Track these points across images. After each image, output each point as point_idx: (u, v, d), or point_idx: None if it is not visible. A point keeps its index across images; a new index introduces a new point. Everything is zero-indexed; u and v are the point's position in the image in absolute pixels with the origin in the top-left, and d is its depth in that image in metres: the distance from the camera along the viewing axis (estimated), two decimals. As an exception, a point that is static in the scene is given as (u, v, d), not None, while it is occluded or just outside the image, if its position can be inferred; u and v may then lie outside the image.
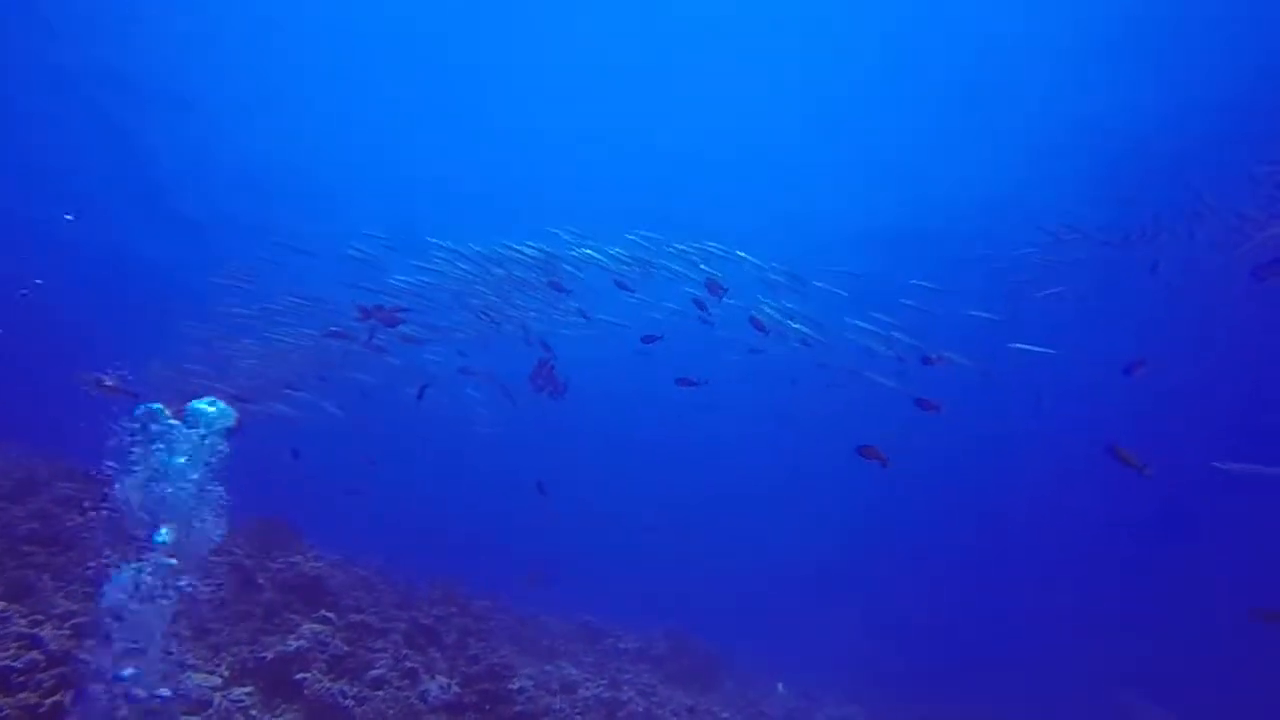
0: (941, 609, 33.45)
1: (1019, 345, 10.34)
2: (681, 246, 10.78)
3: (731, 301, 10.28)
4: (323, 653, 7.78)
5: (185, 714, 5.94)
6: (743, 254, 11.22)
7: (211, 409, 5.29)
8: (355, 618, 9.31)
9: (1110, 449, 5.47)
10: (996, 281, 17.95)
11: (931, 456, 30.99)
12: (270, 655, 7.07)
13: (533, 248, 11.09)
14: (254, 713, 6.25)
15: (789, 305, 10.77)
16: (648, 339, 10.51)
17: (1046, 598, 33.66)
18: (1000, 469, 32.56)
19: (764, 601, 30.83)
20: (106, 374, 7.18)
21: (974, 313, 12.61)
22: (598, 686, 11.63)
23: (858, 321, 11.18)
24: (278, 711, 6.48)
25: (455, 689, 8.14)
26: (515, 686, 8.88)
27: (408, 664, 8.17)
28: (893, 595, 34.39)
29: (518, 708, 8.39)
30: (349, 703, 7.04)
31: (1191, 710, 16.18)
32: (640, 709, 11.12)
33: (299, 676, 6.96)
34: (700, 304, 10.68)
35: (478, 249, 11.42)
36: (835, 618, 28.47)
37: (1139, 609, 30.68)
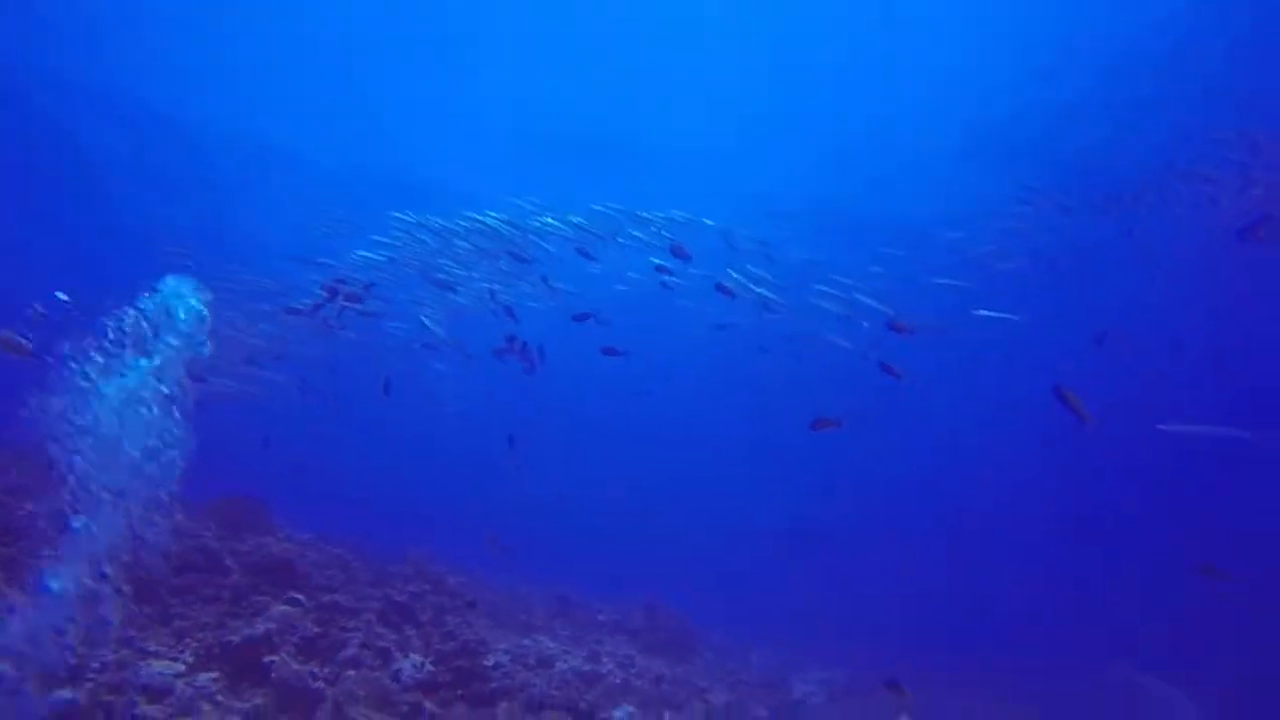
0: (922, 577, 33.89)
1: (983, 311, 10.31)
2: (646, 214, 10.57)
3: (696, 270, 10.12)
4: (292, 635, 7.58)
5: (146, 703, 5.72)
6: (708, 221, 11.05)
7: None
8: (327, 598, 9.10)
9: (1056, 391, 5.41)
10: (963, 252, 18.04)
11: (905, 422, 31.44)
12: (237, 639, 6.85)
13: (494, 218, 10.78)
14: (220, 698, 6.04)
15: (755, 270, 10.61)
16: (579, 317, 10.36)
17: (1027, 567, 34.19)
18: (975, 436, 33.07)
19: (740, 571, 31.12)
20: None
21: (940, 280, 12.61)
22: (576, 659, 11.59)
23: (822, 287, 11.06)
24: (245, 696, 6.27)
25: (429, 667, 7.99)
26: (490, 663, 8.77)
27: (380, 643, 8.00)
28: (872, 562, 34.94)
29: (494, 684, 8.28)
30: (319, 684, 6.85)
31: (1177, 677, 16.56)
32: (618, 680, 11.10)
33: (268, 660, 6.76)
34: (664, 269, 10.50)
35: (440, 222, 11.09)
36: (813, 585, 28.83)
37: (1119, 577, 31.23)
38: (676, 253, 9.46)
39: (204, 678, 6.32)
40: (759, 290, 10.03)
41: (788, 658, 16.44)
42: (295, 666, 6.90)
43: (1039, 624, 25.90)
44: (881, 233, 20.29)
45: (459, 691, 7.86)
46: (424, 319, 11.04)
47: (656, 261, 10.58)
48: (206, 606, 7.82)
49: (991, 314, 10.26)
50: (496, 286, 11.96)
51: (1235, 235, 9.16)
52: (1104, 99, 16.14)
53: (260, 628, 7.13)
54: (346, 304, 11.14)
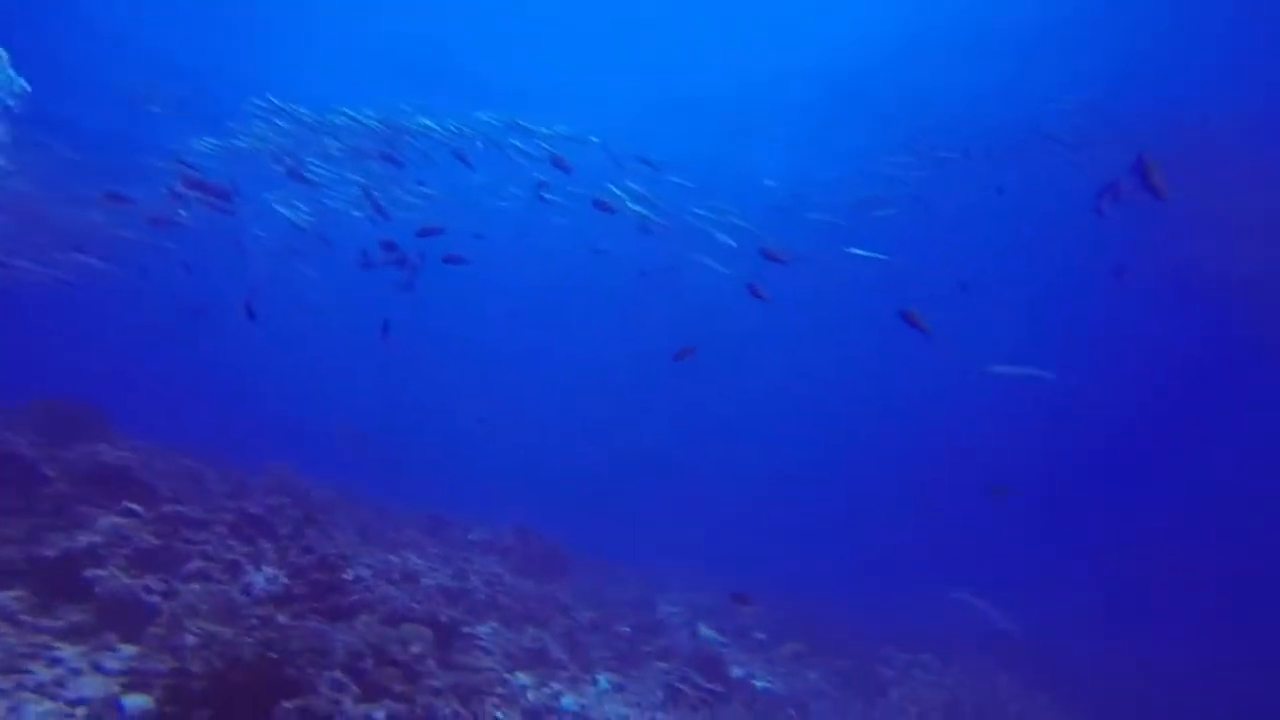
0: (786, 505, 35.58)
1: (855, 250, 10.61)
2: (528, 125, 10.01)
3: (576, 189, 9.75)
4: (124, 547, 6.94)
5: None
6: (594, 139, 10.63)
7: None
8: (171, 509, 8.40)
9: (902, 314, 5.79)
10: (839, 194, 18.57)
11: (774, 350, 32.66)
12: (52, 553, 6.17)
13: (371, 117, 9.88)
14: (24, 618, 5.44)
15: (634, 187, 10.35)
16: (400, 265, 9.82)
17: (890, 501, 36.45)
18: (841, 370, 34.79)
19: (615, 498, 31.80)
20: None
21: (817, 216, 12.86)
22: (443, 576, 11.46)
23: (698, 210, 11.01)
24: (58, 615, 5.69)
25: (284, 580, 7.61)
26: (350, 576, 8.46)
27: (230, 556, 7.51)
28: (738, 490, 36.50)
29: (354, 597, 8.00)
30: (154, 599, 6.35)
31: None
32: (484, 597, 11.11)
33: (89, 574, 6.15)
34: (542, 185, 10.07)
35: (312, 114, 10.03)
36: (685, 512, 29.83)
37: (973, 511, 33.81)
38: (557, 164, 9.02)
39: (2, 596, 5.66)
40: (637, 208, 9.81)
41: (656, 581, 17.04)
42: (126, 580, 6.34)
43: (901, 556, 27.45)
44: (762, 171, 20.54)
45: (315, 605, 7.55)
46: (284, 212, 10.08)
47: (539, 177, 10.09)
48: (13, 520, 6.98)
49: (862, 253, 10.58)
50: (373, 190, 11.06)
51: (1093, 200, 9.82)
52: (978, 62, 16.81)
53: (82, 540, 6.47)
54: (210, 198, 9.99)
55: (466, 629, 9.31)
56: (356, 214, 10.91)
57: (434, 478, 24.74)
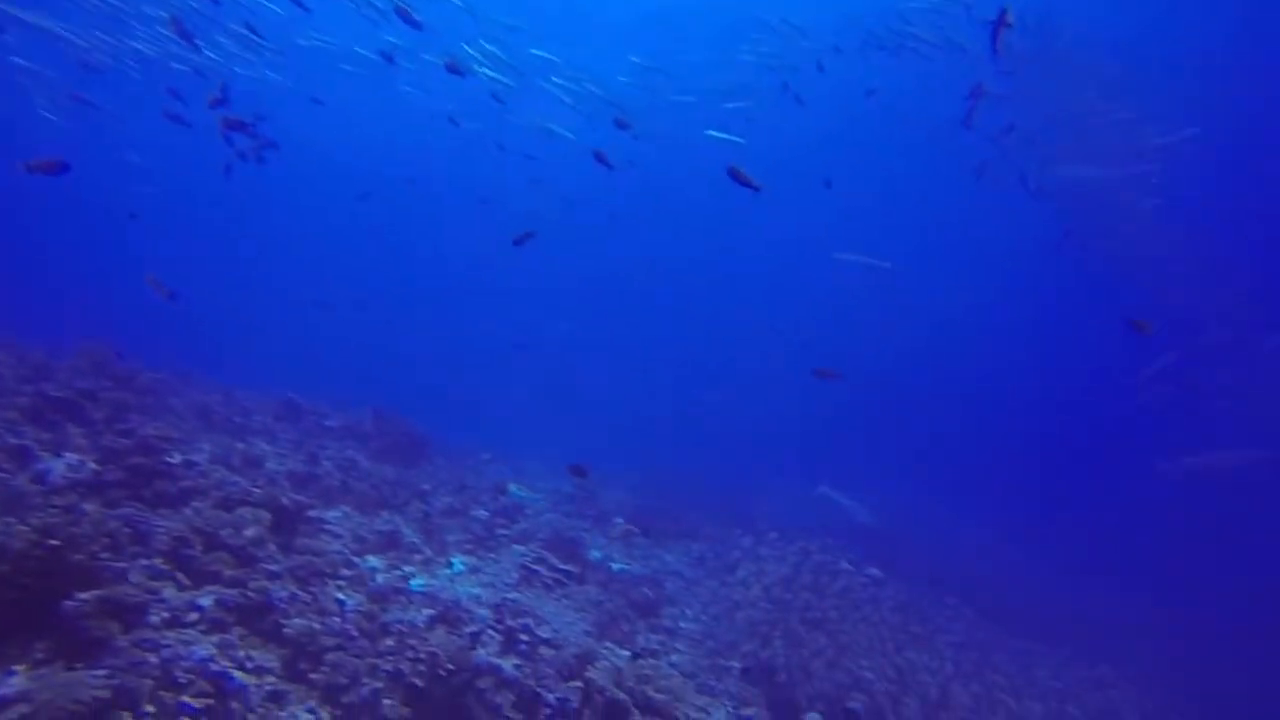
0: (653, 400, 36.06)
1: (713, 132, 10.41)
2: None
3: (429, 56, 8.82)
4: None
5: None
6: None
7: None
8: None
9: (730, 171, 5.86)
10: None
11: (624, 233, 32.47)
12: None
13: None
14: None
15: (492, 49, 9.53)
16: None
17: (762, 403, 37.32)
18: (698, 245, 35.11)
19: (476, 384, 31.26)
20: None
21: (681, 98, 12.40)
22: (293, 462, 10.86)
23: (557, 79, 10.39)
24: None
25: (93, 466, 6.84)
26: (177, 460, 7.78)
27: (16, 441, 6.61)
28: (607, 376, 36.73)
29: (184, 483, 7.37)
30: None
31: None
32: (337, 482, 10.68)
33: None
34: (387, 56, 9.04)
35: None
36: (547, 399, 29.70)
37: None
38: (404, 18, 8.03)
39: None
40: (491, 74, 9.06)
41: (515, 466, 17.09)
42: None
43: (768, 450, 27.92)
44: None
45: (134, 491, 6.89)
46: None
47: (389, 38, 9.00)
48: None
49: (720, 135, 10.43)
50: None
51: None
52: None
53: None
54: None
55: (314, 513, 8.92)
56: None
57: (292, 363, 23.28)
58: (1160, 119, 16.50)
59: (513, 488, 13.24)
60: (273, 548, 6.91)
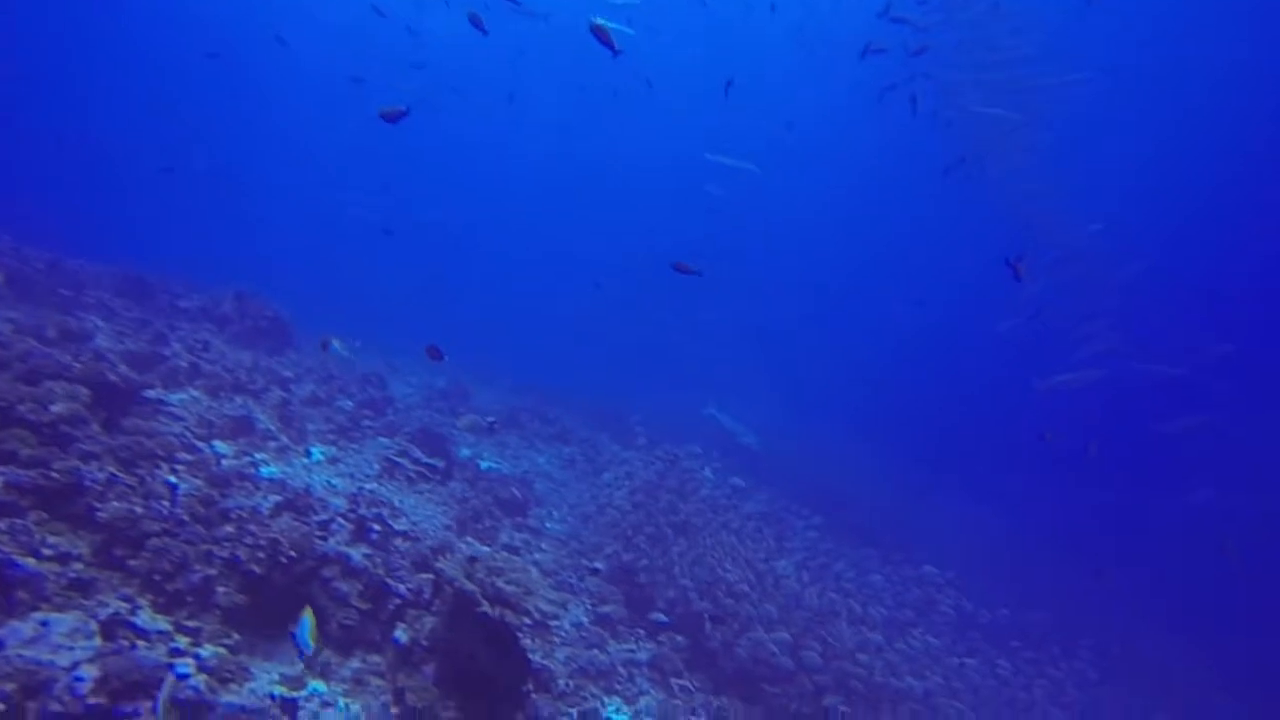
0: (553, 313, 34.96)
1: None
2: None
3: None
4: None
5: None
6: None
7: None
8: None
9: (593, 28, 5.53)
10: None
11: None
12: None
13: None
14: None
15: None
16: None
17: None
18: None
19: (348, 273, 29.42)
20: None
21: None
22: (135, 341, 9.73)
23: None
24: None
25: None
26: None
27: None
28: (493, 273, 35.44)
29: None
30: None
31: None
32: (185, 364, 9.71)
33: None
34: None
35: None
36: (432, 302, 28.39)
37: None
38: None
39: None
40: None
41: (389, 361, 16.28)
42: None
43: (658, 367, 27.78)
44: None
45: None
46: None
47: None
48: None
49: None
50: None
51: None
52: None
53: None
54: None
55: (152, 394, 8.09)
56: None
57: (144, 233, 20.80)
58: (1061, 59, 16.81)
59: (397, 385, 12.57)
60: (95, 428, 6.17)
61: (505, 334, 25.66)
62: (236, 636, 5.28)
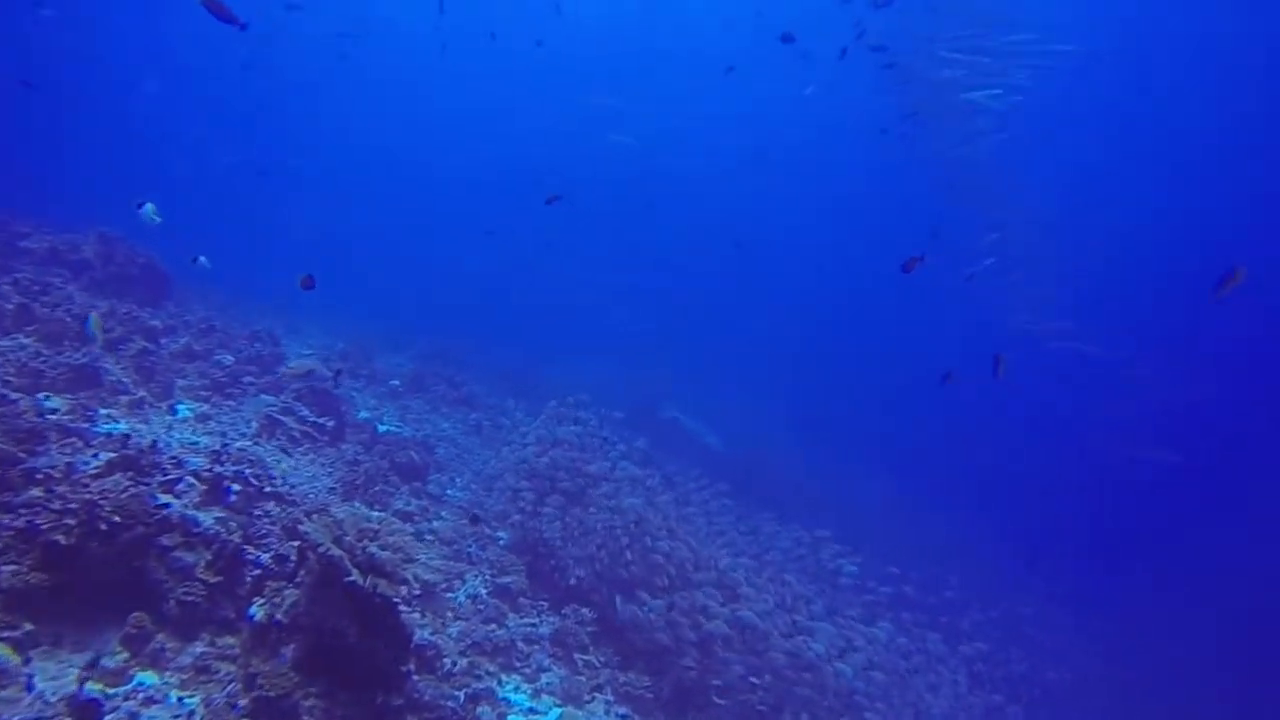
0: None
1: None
2: None
3: None
4: None
5: None
6: None
7: None
8: None
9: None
10: None
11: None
12: None
13: None
14: None
15: None
16: None
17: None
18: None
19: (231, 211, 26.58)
20: None
21: None
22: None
23: None
24: None
25: None
26: None
27: None
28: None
29: None
30: None
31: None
32: (11, 307, 7.94)
33: None
34: None
35: None
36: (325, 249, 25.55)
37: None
38: None
39: None
40: None
41: (289, 323, 14.51)
42: None
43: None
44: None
45: None
46: None
47: None
48: None
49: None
50: None
51: None
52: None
53: None
54: None
55: (-38, 338, 6.45)
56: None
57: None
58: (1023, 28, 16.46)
59: (290, 343, 10.97)
60: None
61: (417, 295, 23.72)
62: (29, 626, 4.02)
